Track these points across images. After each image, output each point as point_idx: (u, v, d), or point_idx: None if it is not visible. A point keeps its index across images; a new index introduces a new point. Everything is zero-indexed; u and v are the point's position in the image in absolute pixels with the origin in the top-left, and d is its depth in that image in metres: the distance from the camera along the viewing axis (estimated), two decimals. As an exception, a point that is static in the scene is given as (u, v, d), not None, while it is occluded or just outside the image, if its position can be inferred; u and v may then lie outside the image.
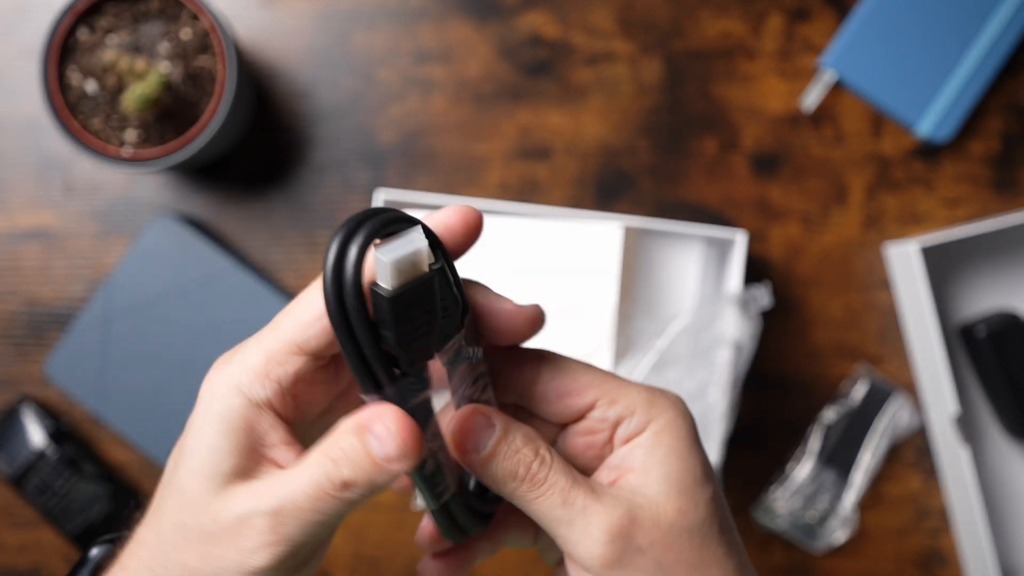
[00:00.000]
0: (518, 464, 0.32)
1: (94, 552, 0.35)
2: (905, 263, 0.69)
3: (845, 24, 0.73)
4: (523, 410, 0.35)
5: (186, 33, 0.65)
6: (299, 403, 0.32)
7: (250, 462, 0.30)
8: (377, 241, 0.29)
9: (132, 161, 0.64)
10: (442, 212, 0.32)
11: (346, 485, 0.29)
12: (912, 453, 0.73)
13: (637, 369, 0.66)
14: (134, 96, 0.62)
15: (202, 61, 0.65)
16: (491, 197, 0.73)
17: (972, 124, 0.74)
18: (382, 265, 0.28)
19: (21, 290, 0.73)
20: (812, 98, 0.73)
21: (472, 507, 0.34)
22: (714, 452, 0.66)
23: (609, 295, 0.66)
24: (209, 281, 0.70)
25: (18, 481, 0.69)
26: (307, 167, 0.73)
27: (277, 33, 0.73)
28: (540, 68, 0.73)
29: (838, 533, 0.71)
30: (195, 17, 0.65)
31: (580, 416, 0.34)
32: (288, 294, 0.71)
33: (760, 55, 0.73)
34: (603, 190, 0.73)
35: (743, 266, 0.67)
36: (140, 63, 0.63)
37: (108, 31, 0.65)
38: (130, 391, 0.70)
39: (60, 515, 0.70)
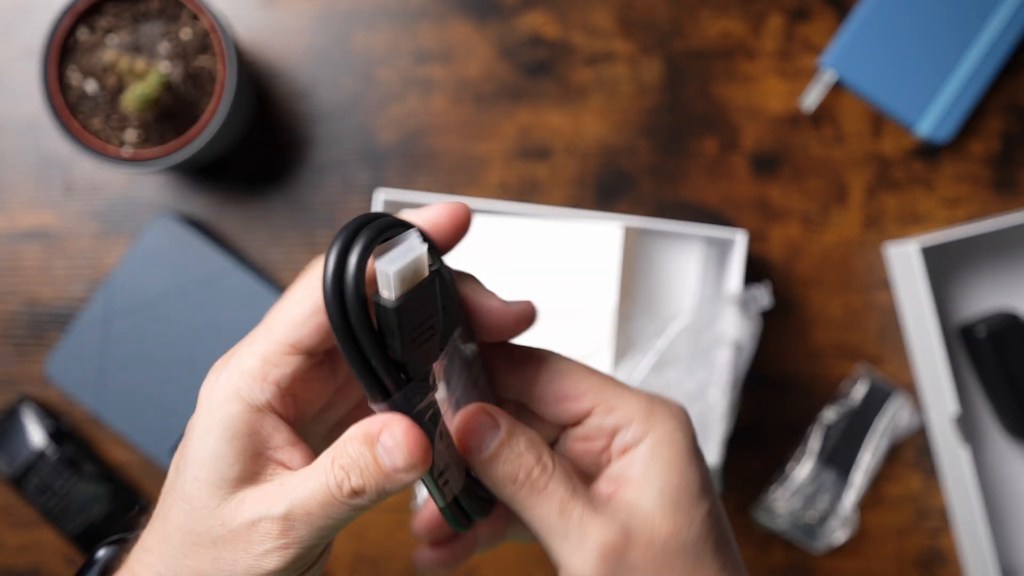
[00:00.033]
0: (519, 468, 0.32)
1: (101, 553, 0.35)
2: (905, 263, 0.69)
3: (845, 24, 0.73)
4: (525, 408, 0.35)
5: (186, 33, 0.65)
6: (299, 402, 0.32)
7: (256, 466, 0.30)
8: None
9: (132, 161, 0.64)
10: (430, 210, 0.32)
11: (356, 493, 0.29)
12: (912, 453, 0.73)
13: (637, 369, 0.66)
14: (134, 96, 0.62)
15: (202, 61, 0.65)
16: (491, 197, 0.73)
17: (972, 124, 0.74)
18: (385, 276, 0.28)
19: (21, 290, 0.73)
20: (812, 98, 0.73)
21: (477, 494, 0.34)
22: (714, 452, 0.66)
23: (609, 295, 0.66)
24: (209, 281, 0.70)
25: (18, 481, 0.69)
26: (307, 167, 0.73)
27: (277, 33, 0.73)
28: (540, 68, 0.73)
29: (838, 533, 0.72)
30: (195, 17, 0.65)
31: (578, 420, 0.34)
32: (288, 294, 0.71)
33: (760, 55, 0.73)
34: (603, 190, 0.73)
35: (743, 266, 0.67)
36: (140, 63, 0.63)
37: (108, 31, 0.65)
38: (130, 391, 0.70)
39: (60, 515, 0.70)
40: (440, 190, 0.73)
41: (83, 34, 0.64)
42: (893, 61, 0.72)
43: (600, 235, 0.67)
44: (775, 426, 0.73)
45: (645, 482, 0.32)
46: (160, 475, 0.72)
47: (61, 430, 0.70)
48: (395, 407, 0.30)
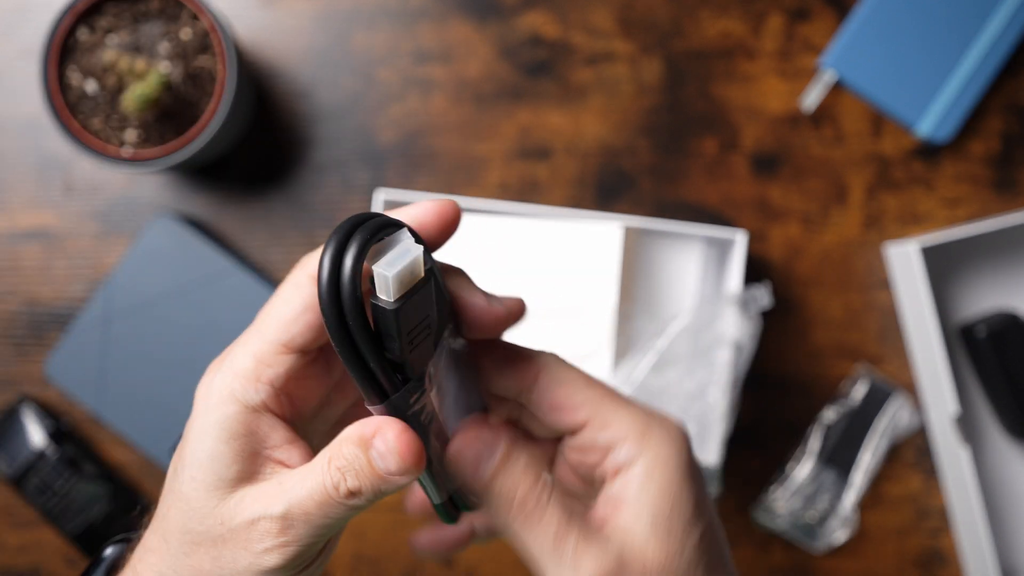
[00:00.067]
0: (515, 493, 0.32)
1: (108, 552, 0.35)
2: (905, 263, 0.69)
3: (845, 24, 0.73)
4: (526, 409, 0.35)
5: (186, 33, 0.65)
6: (294, 400, 0.32)
7: (253, 465, 0.31)
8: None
9: (132, 161, 0.64)
10: (418, 208, 0.32)
11: (352, 494, 0.30)
12: (912, 453, 0.73)
13: (637, 369, 0.66)
14: (134, 96, 0.62)
15: (202, 61, 0.65)
16: (491, 197, 0.73)
17: (972, 124, 0.74)
18: (383, 279, 0.28)
19: (21, 290, 0.73)
20: (812, 98, 0.73)
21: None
22: (714, 452, 0.66)
23: (609, 295, 0.66)
24: (209, 281, 0.70)
25: (18, 481, 0.69)
26: (307, 167, 0.73)
27: (277, 33, 0.73)
28: (540, 68, 0.73)
29: (838, 533, 0.72)
30: (195, 17, 0.65)
31: (573, 431, 0.34)
32: (288, 294, 0.71)
33: (760, 55, 0.73)
34: (603, 190, 0.73)
35: (743, 266, 0.67)
36: (140, 63, 0.63)
37: (108, 31, 0.65)
38: (130, 391, 0.70)
39: (60, 515, 0.70)
40: (440, 190, 0.73)
41: (83, 34, 0.64)
42: (893, 61, 0.72)
43: (600, 235, 0.67)
44: (775, 426, 0.73)
45: (639, 508, 0.32)
46: (160, 475, 0.72)
47: (61, 430, 0.70)
48: (392, 409, 0.30)
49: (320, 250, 0.31)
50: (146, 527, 0.33)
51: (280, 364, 0.31)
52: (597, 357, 0.66)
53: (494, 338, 0.35)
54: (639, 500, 0.32)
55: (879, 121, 0.73)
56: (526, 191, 0.73)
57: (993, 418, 0.73)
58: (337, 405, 0.35)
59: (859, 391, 0.72)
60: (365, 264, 0.28)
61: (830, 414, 0.72)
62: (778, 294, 0.73)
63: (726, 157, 0.73)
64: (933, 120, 0.72)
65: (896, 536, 0.73)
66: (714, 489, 0.68)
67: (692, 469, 0.33)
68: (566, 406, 0.34)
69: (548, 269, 0.67)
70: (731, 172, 0.73)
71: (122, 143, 0.65)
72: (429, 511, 0.37)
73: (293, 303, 0.31)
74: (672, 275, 0.72)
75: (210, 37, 0.65)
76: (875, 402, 0.72)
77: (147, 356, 0.70)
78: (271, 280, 0.72)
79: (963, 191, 0.74)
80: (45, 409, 0.71)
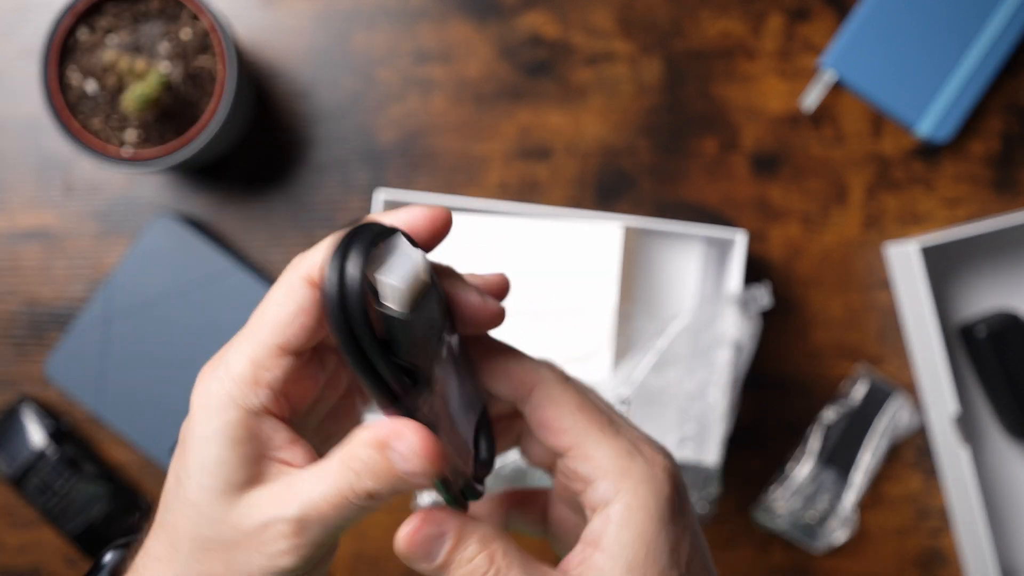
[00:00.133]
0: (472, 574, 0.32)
1: (108, 557, 0.35)
2: (905, 263, 0.69)
3: (845, 24, 0.73)
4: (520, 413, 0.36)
5: (186, 33, 0.65)
6: (291, 400, 0.32)
7: (260, 468, 0.31)
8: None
9: (132, 161, 0.64)
10: (408, 213, 0.32)
11: (370, 496, 0.30)
12: (912, 453, 0.73)
13: (637, 369, 0.66)
14: (134, 96, 0.62)
15: (202, 61, 0.65)
16: (491, 197, 0.73)
17: (972, 124, 0.74)
18: (393, 290, 0.28)
19: (21, 290, 0.73)
20: (812, 98, 0.73)
21: (477, 477, 0.35)
22: (714, 452, 0.66)
23: (609, 295, 0.66)
24: (209, 281, 0.70)
25: (18, 481, 0.69)
26: (307, 167, 0.73)
27: (277, 33, 0.73)
28: (540, 68, 0.73)
29: (838, 533, 0.72)
30: (195, 17, 0.65)
31: (559, 453, 0.34)
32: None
33: (760, 55, 0.73)
34: (603, 190, 0.73)
35: (743, 266, 0.67)
36: (140, 63, 0.63)
37: (108, 31, 0.65)
38: (130, 391, 0.70)
39: (60, 515, 0.70)
40: (440, 190, 0.73)
41: (83, 34, 0.64)
42: (893, 61, 0.72)
43: (600, 235, 0.67)
44: (775, 426, 0.73)
45: (615, 554, 0.32)
46: (160, 475, 0.72)
47: (61, 430, 0.70)
48: (404, 411, 0.30)
49: (314, 254, 0.31)
50: (146, 533, 0.33)
51: (278, 367, 0.31)
52: (597, 357, 0.66)
53: (491, 336, 0.35)
54: (614, 545, 0.32)
55: (879, 121, 0.73)
56: (526, 191, 0.73)
57: (993, 418, 0.73)
58: (327, 399, 0.35)
59: (859, 391, 0.72)
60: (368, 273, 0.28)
61: (830, 414, 0.72)
62: (778, 294, 0.73)
63: (726, 157, 0.73)
64: (933, 120, 0.72)
65: (896, 536, 0.73)
66: (714, 489, 0.68)
67: (672, 510, 0.33)
68: (553, 428, 0.34)
69: (548, 269, 0.67)
70: (731, 172, 0.73)
71: (122, 143, 0.65)
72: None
73: (287, 306, 0.31)
74: (672, 275, 0.72)
75: (210, 37, 0.65)
76: (875, 402, 0.72)
77: (147, 356, 0.70)
78: (271, 280, 0.72)
79: (963, 191, 0.74)
80: (45, 409, 0.71)
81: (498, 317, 0.33)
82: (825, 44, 0.73)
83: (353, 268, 0.28)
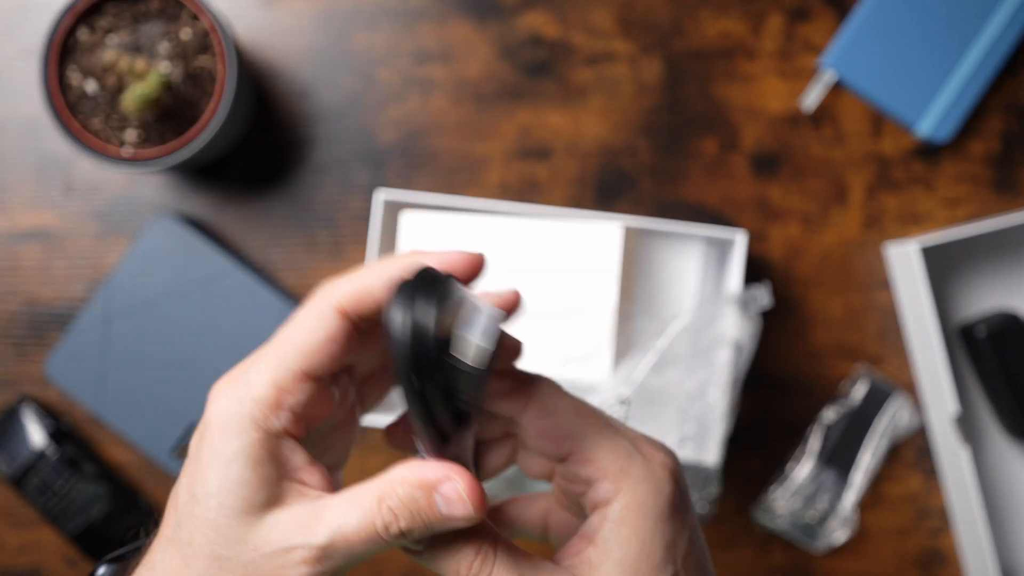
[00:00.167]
0: (459, 564, 0.32)
1: (101, 572, 0.35)
2: (905, 263, 0.69)
3: (845, 24, 0.73)
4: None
5: (186, 33, 0.65)
6: (309, 422, 0.33)
7: (279, 489, 0.31)
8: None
9: (132, 161, 0.64)
10: (449, 256, 0.33)
11: (403, 534, 0.31)
12: (912, 453, 0.73)
13: (637, 369, 0.66)
14: (134, 96, 0.62)
15: (202, 61, 0.65)
16: (491, 197, 0.73)
17: (972, 124, 0.74)
18: (478, 350, 0.29)
19: (21, 290, 0.73)
20: (812, 98, 0.73)
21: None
22: (714, 452, 0.66)
23: (609, 295, 0.66)
24: (209, 281, 0.70)
25: (18, 481, 0.69)
26: (307, 167, 0.73)
27: (277, 33, 0.73)
28: (540, 68, 0.73)
29: (838, 533, 0.71)
30: (195, 17, 0.65)
31: (558, 460, 0.34)
32: (288, 294, 0.71)
33: (760, 55, 0.73)
34: (603, 190, 0.73)
35: (743, 266, 0.67)
36: (140, 63, 0.63)
37: (108, 31, 0.65)
38: (130, 391, 0.70)
39: (60, 515, 0.70)
40: (440, 190, 0.73)
41: (83, 34, 0.64)
42: (893, 61, 0.72)
43: (600, 235, 0.67)
44: (775, 426, 0.73)
45: (609, 549, 0.32)
46: (160, 475, 0.72)
47: (61, 430, 0.70)
48: (451, 453, 0.31)
49: (345, 284, 0.32)
50: (148, 549, 0.33)
51: (301, 391, 0.32)
52: (597, 357, 0.66)
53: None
54: (609, 542, 0.32)
55: (879, 121, 0.73)
56: (526, 191, 0.73)
57: (993, 418, 0.73)
58: (335, 416, 0.36)
59: (859, 391, 0.72)
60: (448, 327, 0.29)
61: (830, 414, 0.72)
62: (778, 294, 0.73)
63: (726, 157, 0.73)
64: (933, 120, 0.72)
65: (896, 536, 0.73)
66: (714, 489, 0.68)
67: (671, 507, 0.33)
68: (551, 436, 0.34)
69: (548, 269, 0.67)
70: (731, 172, 0.73)
71: (122, 143, 0.65)
72: (411, 447, 0.37)
73: (316, 333, 0.32)
74: (672, 275, 0.72)
75: (210, 37, 0.65)
76: (875, 402, 0.72)
77: (147, 356, 0.70)
78: (271, 280, 0.72)
79: (963, 191, 0.74)
80: (45, 409, 0.71)
81: (521, 352, 0.34)
82: (825, 44, 0.73)
83: (426, 318, 0.28)
